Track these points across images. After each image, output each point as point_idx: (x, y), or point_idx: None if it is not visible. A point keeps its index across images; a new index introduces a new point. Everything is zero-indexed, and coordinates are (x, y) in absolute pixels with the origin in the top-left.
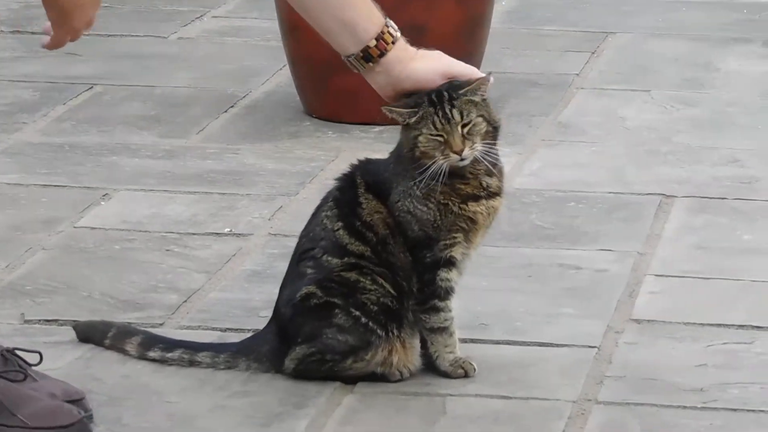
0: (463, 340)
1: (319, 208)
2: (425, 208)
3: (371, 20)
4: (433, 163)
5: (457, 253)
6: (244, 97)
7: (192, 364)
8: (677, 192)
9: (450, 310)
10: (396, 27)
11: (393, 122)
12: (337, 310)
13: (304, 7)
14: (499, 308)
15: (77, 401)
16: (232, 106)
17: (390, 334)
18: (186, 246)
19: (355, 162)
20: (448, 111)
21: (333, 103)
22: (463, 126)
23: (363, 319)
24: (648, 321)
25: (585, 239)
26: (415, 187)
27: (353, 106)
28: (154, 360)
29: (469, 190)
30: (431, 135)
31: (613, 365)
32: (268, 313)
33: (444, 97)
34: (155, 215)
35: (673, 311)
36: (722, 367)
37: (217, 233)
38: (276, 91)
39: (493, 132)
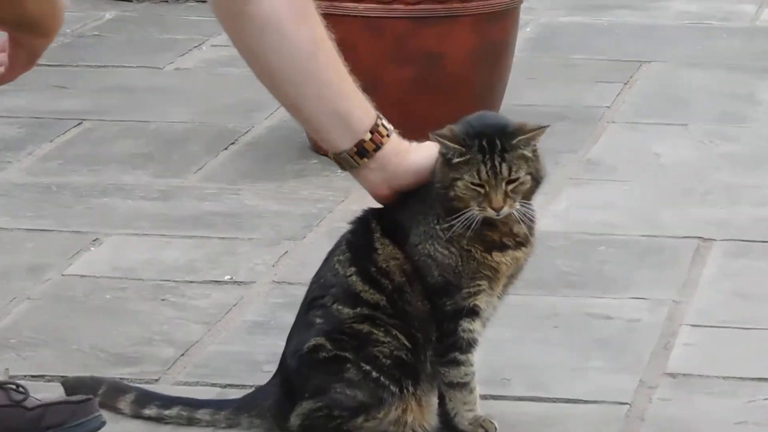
0: (483, 396)
1: (331, 254)
2: (447, 252)
3: (365, 112)
4: (467, 211)
5: (481, 301)
6: (245, 132)
7: (191, 422)
8: (715, 235)
9: (471, 365)
10: (387, 121)
11: None
12: (348, 365)
13: (297, 104)
14: (522, 361)
15: (86, 401)
16: (232, 143)
17: (405, 390)
18: (183, 295)
19: (370, 206)
20: (497, 164)
21: None
22: (509, 182)
23: (374, 374)
24: (684, 375)
25: (615, 286)
26: (437, 227)
27: None
28: (150, 418)
29: (496, 237)
30: (473, 184)
31: (646, 423)
32: (272, 368)
33: (496, 147)
34: (150, 262)
35: (711, 364)
36: (764, 425)
37: (217, 281)
38: (280, 126)
39: (536, 186)
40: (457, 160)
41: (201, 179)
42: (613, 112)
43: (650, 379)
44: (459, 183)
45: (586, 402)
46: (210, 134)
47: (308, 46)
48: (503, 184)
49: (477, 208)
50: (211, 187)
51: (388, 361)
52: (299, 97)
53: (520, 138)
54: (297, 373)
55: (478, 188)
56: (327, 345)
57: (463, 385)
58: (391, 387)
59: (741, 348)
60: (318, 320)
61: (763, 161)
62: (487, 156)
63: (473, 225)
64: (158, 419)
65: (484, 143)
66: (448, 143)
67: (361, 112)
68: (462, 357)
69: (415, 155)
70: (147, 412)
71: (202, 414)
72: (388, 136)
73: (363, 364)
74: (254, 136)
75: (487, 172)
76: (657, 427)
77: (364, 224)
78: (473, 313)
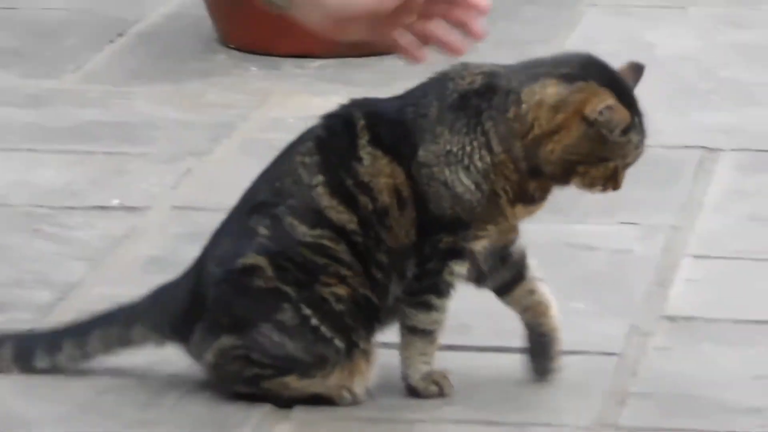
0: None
1: (292, 148)
2: (472, 187)
3: None
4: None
5: (481, 246)
6: (136, 22)
7: (86, 357)
8: (723, 144)
9: (444, 312)
10: None
11: (339, 53)
12: (285, 304)
13: None
14: (485, 304)
15: None
16: (120, 35)
17: (354, 347)
18: (61, 224)
19: (356, 99)
20: (644, 146)
21: (257, 29)
22: None
23: (313, 321)
24: (685, 318)
25: (600, 210)
26: (477, 155)
27: (284, 32)
28: (43, 371)
29: (531, 189)
30: (617, 167)
31: (639, 378)
32: None
33: (642, 123)
34: (18, 183)
35: (720, 305)
36: None
37: (103, 207)
38: (180, 13)
39: None
40: (617, 139)
41: (81, 80)
42: None
43: (644, 324)
44: (608, 165)
45: (564, 353)
46: (92, 24)
47: None
48: None
49: (600, 189)
50: (93, 90)
51: (341, 307)
52: None
53: None
54: (218, 289)
55: (615, 170)
56: (268, 271)
57: (427, 333)
58: (336, 342)
59: (757, 284)
60: (263, 231)
61: None
62: (640, 137)
63: None
64: (56, 370)
65: (637, 121)
66: (620, 119)
67: None
68: (437, 302)
69: None
70: (40, 364)
71: (93, 347)
72: None
73: (303, 307)
74: (147, 25)
75: (637, 154)
76: (653, 382)
77: (344, 122)
78: (467, 256)
